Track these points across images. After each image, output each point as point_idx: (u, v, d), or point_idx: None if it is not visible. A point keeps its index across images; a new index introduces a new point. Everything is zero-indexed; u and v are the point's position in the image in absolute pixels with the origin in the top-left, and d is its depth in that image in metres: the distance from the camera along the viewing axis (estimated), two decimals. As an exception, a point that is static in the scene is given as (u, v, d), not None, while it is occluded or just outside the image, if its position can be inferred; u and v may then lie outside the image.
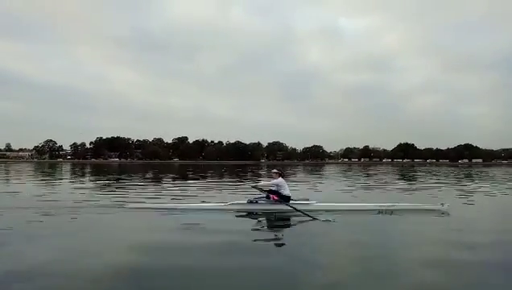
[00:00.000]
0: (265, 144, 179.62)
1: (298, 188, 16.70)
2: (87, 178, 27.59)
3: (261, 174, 35.39)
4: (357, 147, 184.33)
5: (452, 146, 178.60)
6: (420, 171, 48.66)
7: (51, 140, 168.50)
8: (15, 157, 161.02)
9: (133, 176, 28.88)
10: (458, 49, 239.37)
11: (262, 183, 10.38)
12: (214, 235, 6.73)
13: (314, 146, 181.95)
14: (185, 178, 27.72)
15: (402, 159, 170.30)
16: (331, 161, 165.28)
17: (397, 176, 32.86)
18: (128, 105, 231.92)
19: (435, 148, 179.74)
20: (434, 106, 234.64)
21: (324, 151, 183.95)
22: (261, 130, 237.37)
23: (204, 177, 28.17)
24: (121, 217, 8.65)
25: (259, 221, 8.62)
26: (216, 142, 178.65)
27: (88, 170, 45.64)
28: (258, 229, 7.64)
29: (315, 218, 8.25)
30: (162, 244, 6.11)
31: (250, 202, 9.58)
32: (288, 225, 8.18)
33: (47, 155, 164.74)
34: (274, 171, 9.99)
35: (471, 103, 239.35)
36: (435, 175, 35.19)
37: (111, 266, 4.90)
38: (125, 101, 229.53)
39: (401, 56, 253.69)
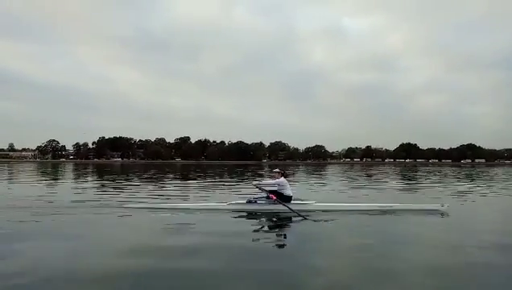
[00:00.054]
0: (267, 144, 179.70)
1: (297, 188, 16.68)
2: (87, 178, 27.65)
3: (260, 174, 35.37)
4: (359, 146, 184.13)
5: (454, 146, 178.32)
6: (422, 171, 48.53)
7: (53, 140, 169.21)
8: (18, 157, 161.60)
9: (133, 176, 28.94)
10: (461, 49, 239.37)
11: (264, 182, 10.37)
12: (212, 236, 6.71)
13: (316, 146, 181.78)
14: (185, 178, 27.76)
15: (405, 159, 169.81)
16: (333, 161, 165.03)
17: (398, 176, 32.79)
18: (130, 105, 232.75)
19: (437, 148, 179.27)
20: (437, 106, 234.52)
21: (326, 150, 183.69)
22: (263, 130, 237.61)
23: (204, 177, 28.20)
24: (120, 217, 8.63)
25: (258, 221, 8.60)
26: (218, 142, 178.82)
27: (89, 170, 45.75)
28: (256, 230, 7.61)
29: (305, 218, 8.28)
30: (159, 245, 6.08)
31: (249, 202, 9.58)
32: (287, 226, 8.16)
33: (49, 155, 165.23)
34: (276, 170, 9.99)
35: (474, 103, 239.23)
36: (435, 175, 35.08)
37: (106, 267, 4.86)
38: (128, 101, 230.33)
39: (404, 56, 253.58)
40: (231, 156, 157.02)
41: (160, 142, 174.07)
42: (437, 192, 15.93)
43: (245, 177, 28.53)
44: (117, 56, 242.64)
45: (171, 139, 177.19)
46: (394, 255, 5.65)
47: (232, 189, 16.81)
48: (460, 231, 7.58)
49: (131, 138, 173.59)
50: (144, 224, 7.99)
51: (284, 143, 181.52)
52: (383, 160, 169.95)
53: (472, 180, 26.97)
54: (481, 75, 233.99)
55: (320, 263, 5.19)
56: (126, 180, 24.46)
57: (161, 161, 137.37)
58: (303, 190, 15.98)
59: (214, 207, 9.80)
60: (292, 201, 9.40)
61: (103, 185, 19.58)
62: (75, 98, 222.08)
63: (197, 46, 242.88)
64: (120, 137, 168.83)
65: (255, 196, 9.82)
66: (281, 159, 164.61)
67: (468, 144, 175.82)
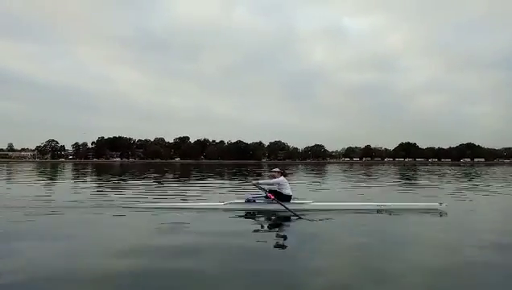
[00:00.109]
0: (266, 144, 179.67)
1: (296, 187, 16.65)
2: (85, 178, 27.63)
3: (259, 173, 35.35)
4: (359, 146, 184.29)
5: (454, 145, 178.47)
6: (421, 170, 48.55)
7: (53, 140, 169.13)
8: (17, 157, 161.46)
9: (132, 176, 28.91)
10: (461, 49, 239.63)
11: (263, 181, 10.35)
12: (210, 236, 6.69)
13: (315, 145, 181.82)
14: (184, 177, 27.73)
15: (404, 158, 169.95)
16: (332, 161, 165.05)
17: (397, 175, 32.78)
18: (130, 105, 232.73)
19: (437, 147, 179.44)
20: (437, 106, 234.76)
21: (325, 150, 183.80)
22: (263, 129, 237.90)
23: (203, 177, 28.17)
24: (116, 217, 8.62)
25: (256, 221, 8.57)
26: (217, 141, 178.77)
27: (88, 170, 45.71)
28: (254, 230, 7.58)
29: (300, 217, 8.27)
30: (156, 245, 6.03)
31: (248, 201, 9.55)
32: (285, 225, 8.13)
33: (49, 155, 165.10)
34: (276, 170, 9.96)
35: (474, 102, 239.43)
36: (434, 174, 35.10)
37: (101, 267, 4.80)
38: (128, 101, 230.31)
39: (404, 56, 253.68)
40: (230, 156, 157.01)
41: (159, 141, 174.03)
42: (435, 191, 15.90)
43: (245, 177, 28.51)
44: (118, 56, 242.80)
45: (170, 139, 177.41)
46: (391, 255, 5.62)
47: (231, 189, 16.78)
48: (459, 230, 7.56)
49: (130, 138, 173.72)
50: (141, 224, 7.93)
51: (284, 143, 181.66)
52: (383, 160, 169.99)
53: (471, 179, 26.97)
54: (480, 75, 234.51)
55: (317, 263, 5.15)
56: (124, 179, 24.43)
57: (160, 161, 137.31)
58: (301, 189, 15.94)
59: (212, 206, 9.78)
60: (291, 201, 9.39)
61: (101, 185, 19.55)
62: (75, 98, 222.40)
63: (197, 46, 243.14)
64: (119, 137, 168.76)
65: (254, 196, 9.80)
66: (280, 159, 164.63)
67: (467, 143, 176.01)
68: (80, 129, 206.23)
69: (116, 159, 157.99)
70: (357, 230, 7.42)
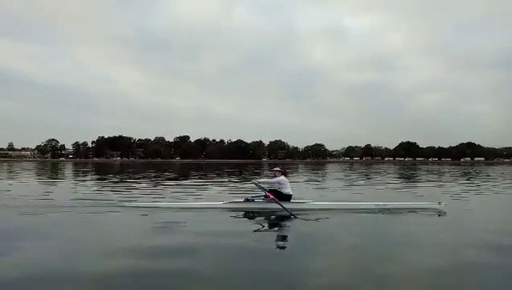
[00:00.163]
0: (267, 143, 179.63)
1: (296, 186, 16.65)
2: (84, 177, 27.65)
3: (257, 173, 35.35)
4: (359, 145, 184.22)
5: (454, 144, 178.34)
6: (421, 169, 48.55)
7: (53, 139, 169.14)
8: (17, 156, 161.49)
9: (131, 175, 28.92)
10: (461, 49, 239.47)
11: (263, 180, 10.36)
12: (209, 235, 6.68)
13: (316, 144, 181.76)
14: (183, 177, 27.75)
15: (404, 157, 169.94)
16: (332, 160, 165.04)
17: (396, 175, 32.79)
18: (131, 104, 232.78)
19: (437, 146, 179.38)
20: (437, 105, 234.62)
21: (325, 149, 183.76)
22: (263, 129, 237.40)
23: (203, 176, 28.19)
24: (116, 216, 8.62)
25: (255, 220, 8.55)
26: (217, 141, 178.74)
27: (88, 169, 45.72)
28: (253, 229, 7.52)
29: (295, 217, 8.26)
30: (153, 245, 5.98)
31: (247, 200, 9.57)
32: (284, 225, 8.10)
33: (49, 155, 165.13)
34: (277, 169, 9.97)
35: (474, 102, 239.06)
36: (434, 173, 35.10)
37: (95, 268, 4.75)
38: (128, 100, 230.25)
39: (405, 56, 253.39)
40: (230, 155, 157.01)
41: (160, 141, 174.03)
42: (435, 190, 15.92)
43: (245, 176, 28.52)
44: (118, 56, 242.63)
45: (170, 139, 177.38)
46: (389, 255, 5.59)
47: (231, 188, 16.79)
48: (457, 230, 7.55)
49: (131, 138, 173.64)
50: (139, 223, 7.89)
51: (284, 142, 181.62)
52: (383, 159, 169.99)
53: (470, 178, 26.98)
54: (480, 75, 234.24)
55: (314, 263, 5.12)
56: (124, 179, 24.43)
57: (160, 160, 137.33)
58: (300, 189, 15.96)
59: (212, 206, 9.79)
60: (291, 200, 9.40)
61: (100, 184, 19.57)
62: (75, 98, 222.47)
63: (197, 46, 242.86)
64: (119, 136, 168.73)
65: (253, 195, 9.82)
66: (280, 158, 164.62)
67: (467, 143, 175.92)
68: (80, 129, 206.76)
69: (116, 158, 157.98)
70: (356, 230, 7.42)
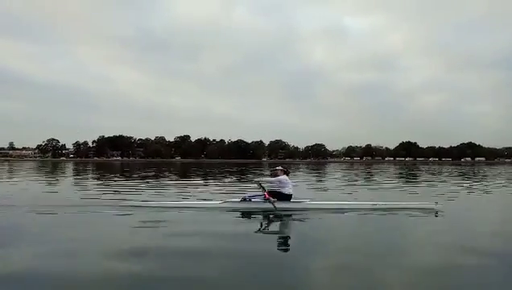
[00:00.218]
0: (267, 143, 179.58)
1: (295, 186, 16.66)
2: (84, 176, 27.69)
3: (254, 172, 35.37)
4: (359, 145, 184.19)
5: (454, 144, 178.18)
6: (421, 169, 48.53)
7: (53, 139, 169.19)
8: (18, 156, 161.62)
9: (131, 175, 28.96)
10: (461, 49, 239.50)
11: (265, 179, 10.41)
12: (205, 235, 6.72)
13: (316, 144, 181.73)
14: (183, 176, 27.79)
15: (405, 157, 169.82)
16: (333, 160, 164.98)
17: (396, 175, 32.80)
18: (131, 104, 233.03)
19: (437, 147, 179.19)
20: (437, 105, 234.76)
21: (326, 149, 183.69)
22: (263, 129, 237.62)
23: (203, 175, 28.22)
24: (114, 216, 8.64)
25: (250, 220, 8.57)
26: (218, 140, 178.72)
27: (89, 168, 45.78)
28: (248, 230, 7.50)
29: (281, 217, 8.32)
30: (148, 246, 5.90)
31: (244, 200, 9.59)
32: (278, 225, 8.14)
33: (49, 154, 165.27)
34: (279, 168, 10.00)
35: (474, 102, 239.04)
36: (433, 173, 35.10)
37: (94, 269, 4.71)
38: (129, 100, 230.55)
39: (405, 56, 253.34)
40: (231, 155, 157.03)
41: (160, 140, 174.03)
42: (433, 191, 15.93)
43: (245, 176, 28.54)
44: (118, 56, 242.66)
45: (171, 138, 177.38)
46: (386, 254, 5.59)
47: (230, 188, 16.81)
48: (454, 230, 7.56)
49: (131, 137, 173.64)
50: (134, 223, 7.74)
51: (284, 142, 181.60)
52: (383, 159, 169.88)
53: (469, 178, 26.98)
54: (481, 75, 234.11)
55: (311, 264, 5.09)
56: (124, 178, 24.48)
57: (161, 160, 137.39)
58: (299, 188, 15.96)
59: (209, 205, 9.83)
60: (291, 200, 9.45)
61: (99, 184, 19.60)
62: (75, 98, 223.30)
63: (197, 46, 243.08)
64: (120, 136, 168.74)
65: (250, 195, 9.85)
66: (281, 158, 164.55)
67: (468, 143, 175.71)
68: (80, 128, 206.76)
69: (117, 158, 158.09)
70: (353, 230, 7.45)
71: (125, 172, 33.95)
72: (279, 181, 9.57)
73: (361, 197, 12.59)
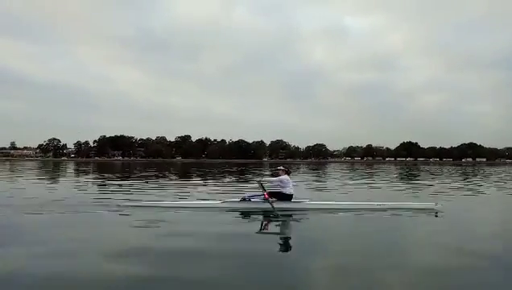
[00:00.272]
0: (268, 143, 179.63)
1: (294, 186, 16.66)
2: (85, 176, 27.71)
3: (253, 172, 35.36)
4: (360, 145, 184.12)
5: (455, 145, 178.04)
6: (421, 169, 48.48)
7: (55, 139, 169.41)
8: (19, 155, 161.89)
9: (132, 174, 28.99)
10: (461, 49, 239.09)
11: (266, 179, 10.43)
12: (203, 235, 6.72)
13: (317, 144, 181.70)
14: (184, 176, 27.80)
15: (405, 157, 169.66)
16: (334, 160, 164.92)
17: (396, 175, 32.77)
18: (131, 104, 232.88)
19: (438, 147, 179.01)
20: (438, 105, 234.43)
21: (327, 149, 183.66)
22: (264, 129, 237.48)
23: (203, 175, 28.23)
24: (113, 216, 8.63)
25: (251, 220, 8.58)
26: (218, 140, 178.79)
27: (90, 168, 45.82)
28: (247, 230, 7.51)
29: (277, 216, 8.36)
30: (145, 246, 5.84)
31: (244, 200, 9.61)
32: (276, 225, 8.10)
33: (51, 154, 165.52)
34: (281, 168, 10.03)
35: (475, 102, 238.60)
36: (433, 173, 35.06)
37: (89, 271, 4.65)
38: (129, 100, 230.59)
39: (405, 56, 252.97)
40: (232, 155, 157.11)
41: (161, 140, 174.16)
42: (433, 191, 15.92)
43: (245, 175, 28.53)
44: (118, 56, 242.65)
45: (172, 138, 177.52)
46: (386, 255, 5.58)
47: (229, 188, 16.82)
48: (454, 230, 7.55)
49: (132, 137, 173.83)
50: (133, 223, 7.68)
51: (285, 142, 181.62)
52: (384, 159, 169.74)
53: (469, 178, 26.94)
54: (481, 75, 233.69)
55: (310, 264, 5.09)
56: (124, 178, 24.50)
57: (161, 160, 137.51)
58: (299, 188, 15.97)
59: (208, 205, 9.84)
60: (292, 200, 9.47)
61: (99, 184, 19.61)
62: (76, 98, 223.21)
63: (197, 46, 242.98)
64: (121, 136, 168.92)
65: (249, 194, 9.88)
66: (282, 158, 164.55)
67: (469, 143, 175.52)
68: (82, 128, 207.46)
69: (118, 157, 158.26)
70: (352, 230, 7.44)
71: (126, 172, 33.99)
72: (281, 181, 9.59)
73: (360, 198, 12.57)
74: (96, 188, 16.87)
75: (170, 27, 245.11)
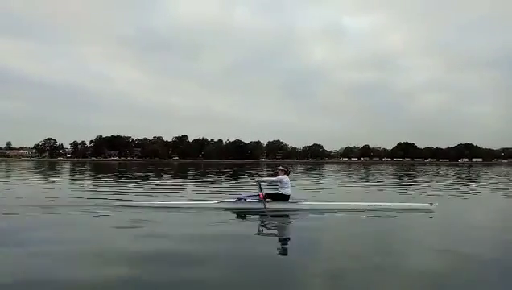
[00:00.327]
0: (265, 143, 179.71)
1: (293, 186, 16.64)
2: (80, 176, 27.60)
3: (249, 173, 35.35)
4: (357, 146, 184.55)
5: (452, 145, 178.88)
6: (418, 170, 48.63)
7: (51, 139, 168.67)
8: (15, 155, 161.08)
9: (128, 175, 28.89)
10: (461, 49, 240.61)
11: (265, 178, 10.41)
12: (198, 236, 6.71)
13: (314, 145, 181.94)
14: (180, 176, 27.74)
15: (402, 158, 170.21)
16: (331, 160, 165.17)
17: (393, 175, 32.84)
18: (131, 103, 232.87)
19: (435, 147, 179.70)
20: (437, 105, 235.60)
21: (324, 150, 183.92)
22: (262, 129, 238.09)
23: (200, 176, 28.18)
24: (107, 216, 8.56)
25: (246, 220, 8.55)
26: (216, 140, 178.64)
27: (86, 168, 45.63)
28: (242, 230, 7.50)
29: (269, 216, 8.41)
30: (142, 247, 5.83)
31: (239, 200, 9.59)
32: (275, 225, 8.13)
33: (47, 154, 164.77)
34: (280, 168, 10.00)
35: (473, 102, 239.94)
36: (429, 174, 35.17)
37: (84, 272, 4.63)
38: (128, 99, 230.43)
39: (404, 56, 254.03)
40: (229, 155, 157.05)
41: (158, 140, 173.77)
42: (428, 191, 15.96)
43: (240, 176, 28.51)
44: (118, 55, 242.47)
45: (169, 138, 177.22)
46: (382, 255, 5.57)
47: (228, 187, 16.79)
48: (448, 230, 7.58)
49: (129, 137, 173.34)
50: (126, 223, 7.60)
51: (282, 142, 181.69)
52: (381, 159, 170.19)
53: (464, 179, 27.04)
54: (480, 75, 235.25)
55: (305, 264, 5.07)
56: (120, 178, 24.41)
57: (158, 160, 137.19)
58: (294, 189, 15.93)
59: (204, 205, 9.80)
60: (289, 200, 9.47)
61: (96, 184, 19.54)
62: (75, 97, 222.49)
63: (198, 45, 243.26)
64: (118, 136, 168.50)
65: (245, 195, 9.86)
66: (279, 158, 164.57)
67: (465, 144, 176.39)
68: (79, 127, 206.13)
69: (114, 158, 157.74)
70: (348, 230, 7.43)
71: (122, 172, 33.87)
72: (280, 181, 9.58)
73: (356, 198, 12.57)
74: (90, 188, 16.78)
75: (170, 27, 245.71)
